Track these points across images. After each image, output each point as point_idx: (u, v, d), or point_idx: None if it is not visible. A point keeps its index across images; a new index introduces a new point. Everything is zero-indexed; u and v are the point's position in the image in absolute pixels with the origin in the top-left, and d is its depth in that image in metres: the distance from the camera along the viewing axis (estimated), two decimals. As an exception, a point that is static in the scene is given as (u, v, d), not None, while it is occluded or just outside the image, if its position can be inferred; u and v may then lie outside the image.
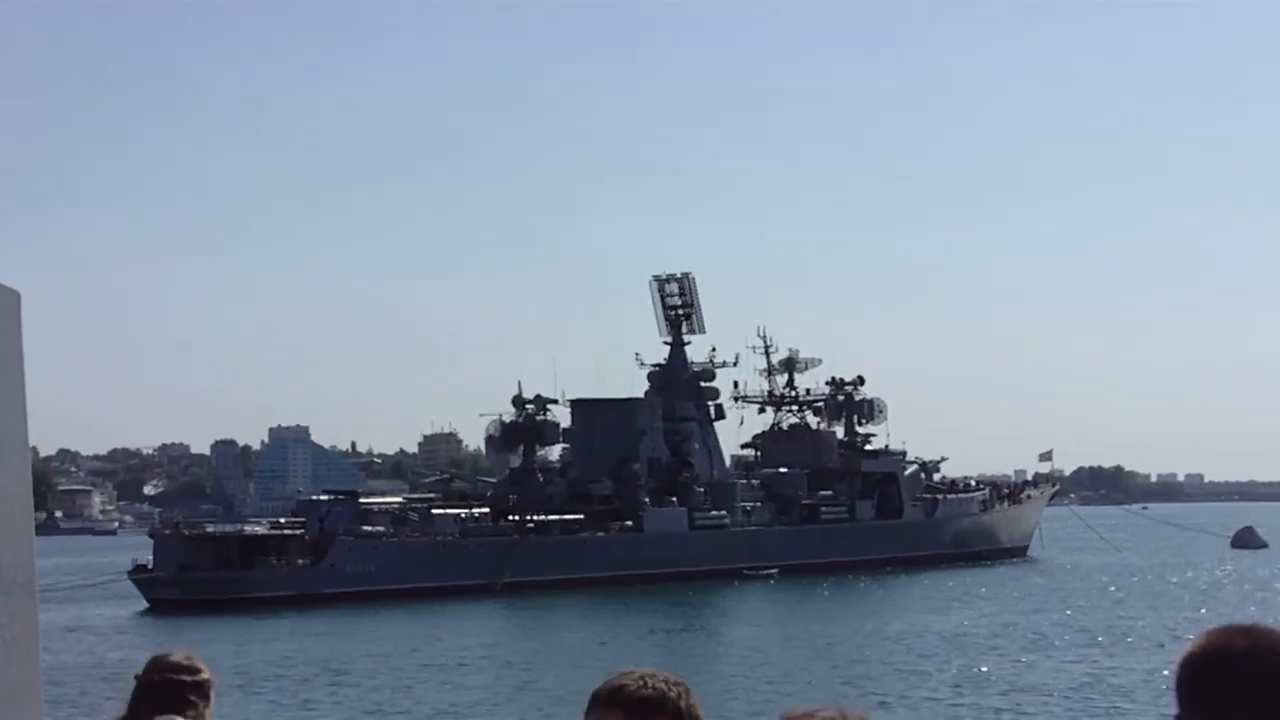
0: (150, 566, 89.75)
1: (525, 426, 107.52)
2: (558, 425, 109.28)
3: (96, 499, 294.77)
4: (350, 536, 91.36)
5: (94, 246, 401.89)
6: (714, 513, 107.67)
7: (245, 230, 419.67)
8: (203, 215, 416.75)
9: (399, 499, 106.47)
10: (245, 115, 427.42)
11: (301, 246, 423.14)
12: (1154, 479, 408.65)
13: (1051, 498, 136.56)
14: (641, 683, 3.72)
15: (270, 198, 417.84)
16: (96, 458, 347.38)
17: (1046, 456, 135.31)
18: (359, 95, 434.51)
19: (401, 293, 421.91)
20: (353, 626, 71.67)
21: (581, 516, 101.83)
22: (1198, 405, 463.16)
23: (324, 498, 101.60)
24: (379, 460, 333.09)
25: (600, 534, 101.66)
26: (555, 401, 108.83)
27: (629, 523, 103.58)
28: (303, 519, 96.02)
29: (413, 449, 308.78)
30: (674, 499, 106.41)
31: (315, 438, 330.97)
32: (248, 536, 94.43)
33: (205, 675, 5.88)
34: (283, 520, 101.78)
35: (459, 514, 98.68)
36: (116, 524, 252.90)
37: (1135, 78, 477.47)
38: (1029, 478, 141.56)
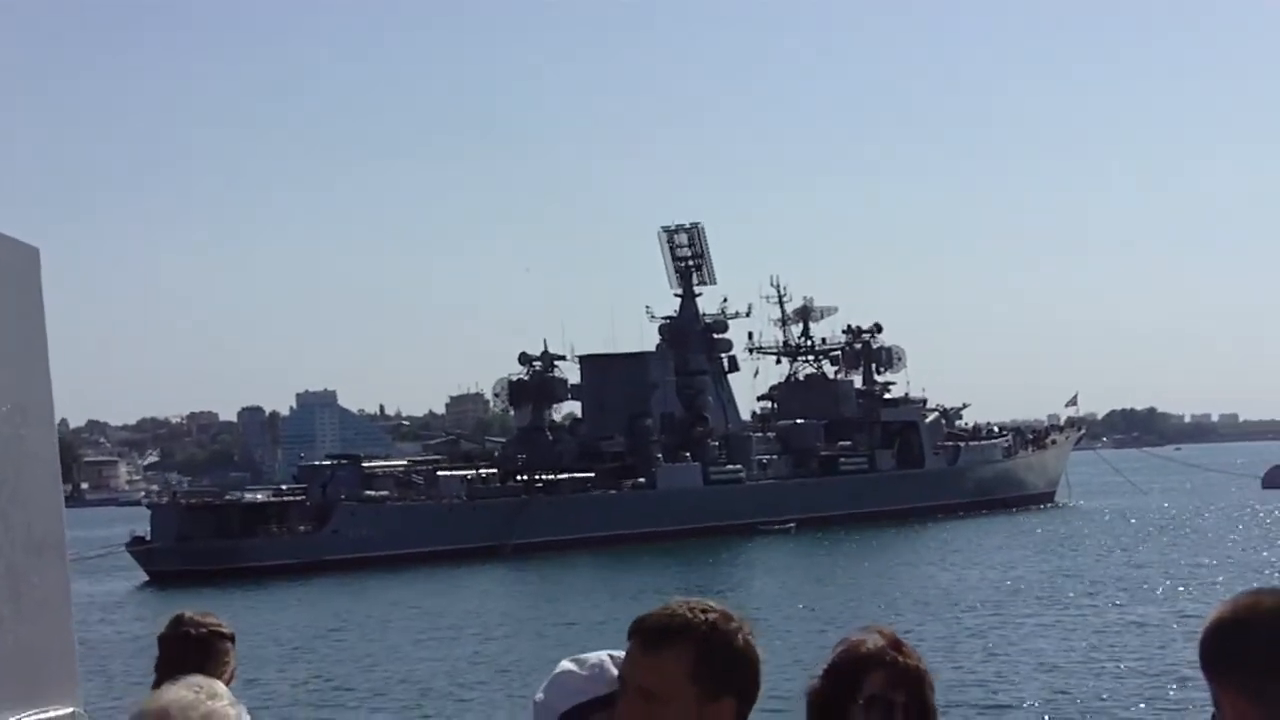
0: (148, 538, 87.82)
1: (534, 384, 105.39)
2: (566, 382, 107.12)
3: (123, 469, 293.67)
4: (353, 501, 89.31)
5: (121, 219, 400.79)
6: (729, 467, 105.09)
7: (270, 200, 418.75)
8: (230, 185, 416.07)
9: (403, 462, 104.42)
10: (272, 91, 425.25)
11: (325, 215, 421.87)
12: (1188, 419, 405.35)
13: (1078, 442, 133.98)
14: (667, 611, 3.56)
15: (296, 169, 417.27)
16: (125, 428, 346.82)
17: (1073, 401, 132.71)
18: (370, 70, 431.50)
19: (424, 255, 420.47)
20: (349, 594, 69.65)
21: (592, 475, 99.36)
22: (1231, 344, 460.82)
23: (327, 463, 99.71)
24: (407, 423, 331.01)
25: (612, 492, 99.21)
26: (563, 358, 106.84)
27: (641, 479, 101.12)
28: (305, 485, 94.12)
29: (441, 411, 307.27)
30: (688, 454, 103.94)
31: (343, 402, 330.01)
32: (248, 504, 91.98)
33: (224, 629, 6.02)
34: (284, 487, 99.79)
35: (465, 475, 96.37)
36: (142, 494, 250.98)
37: (1150, 26, 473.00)
38: (1060, 423, 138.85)
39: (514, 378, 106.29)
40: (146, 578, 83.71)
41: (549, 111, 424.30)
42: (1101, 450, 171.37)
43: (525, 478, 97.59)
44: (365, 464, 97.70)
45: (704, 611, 3.55)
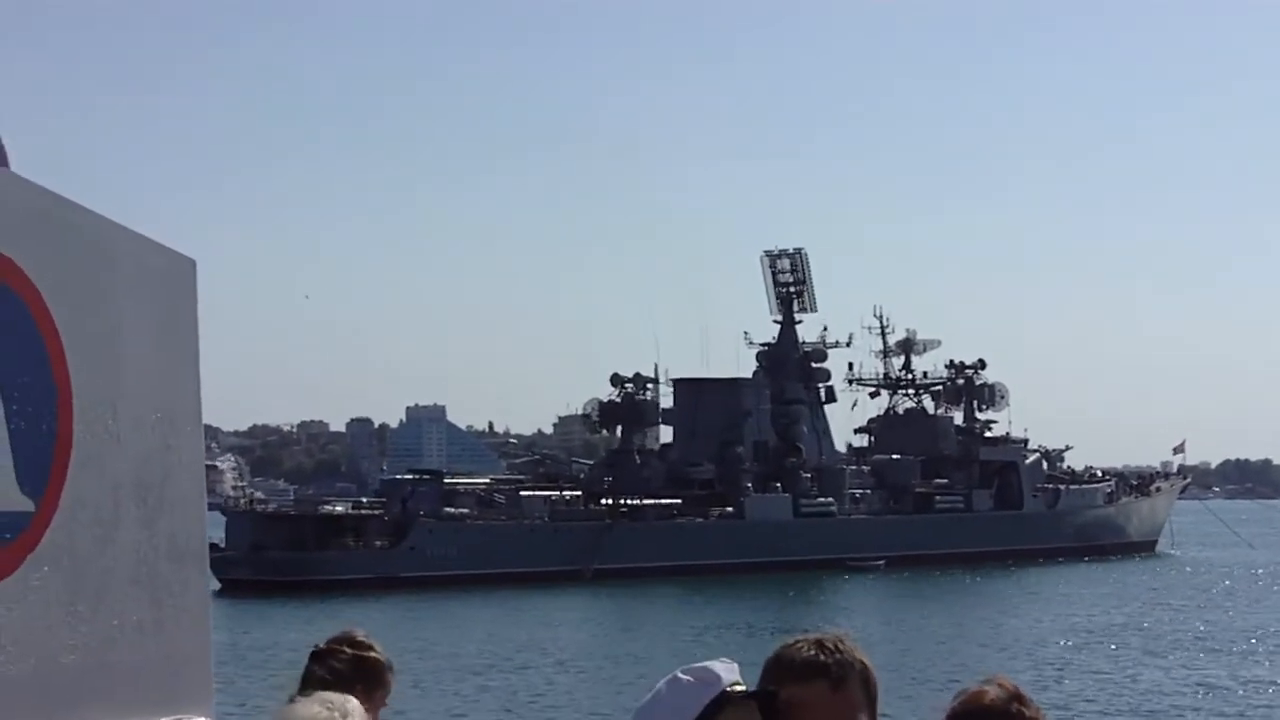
0: (222, 545, 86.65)
1: (624, 406, 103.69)
2: (657, 405, 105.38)
3: (228, 474, 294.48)
4: (432, 518, 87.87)
5: (261, 228, 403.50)
6: (820, 500, 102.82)
7: (387, 213, 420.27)
8: (346, 197, 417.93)
9: (486, 480, 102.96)
10: (389, 108, 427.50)
11: (443, 229, 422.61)
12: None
13: (1183, 490, 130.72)
14: (822, 649, 3.71)
15: (412, 185, 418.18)
16: (236, 433, 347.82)
17: (1180, 449, 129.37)
18: (473, 86, 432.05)
19: (539, 272, 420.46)
20: (419, 613, 68.09)
21: (679, 501, 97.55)
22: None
23: (408, 477, 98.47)
24: (514, 441, 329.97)
25: (699, 520, 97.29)
26: (656, 381, 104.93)
27: (730, 509, 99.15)
28: (384, 499, 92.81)
29: (549, 430, 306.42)
30: (779, 485, 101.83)
31: (451, 417, 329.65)
32: (325, 516, 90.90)
33: (377, 653, 5.84)
34: (364, 500, 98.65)
35: (549, 496, 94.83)
36: (242, 500, 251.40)
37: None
38: (1174, 470, 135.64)
39: (606, 399, 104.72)
40: (218, 585, 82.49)
41: (653, 131, 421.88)
42: (1210, 500, 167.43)
43: (610, 501, 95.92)
44: (447, 481, 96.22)
45: (848, 641, 3.78)
